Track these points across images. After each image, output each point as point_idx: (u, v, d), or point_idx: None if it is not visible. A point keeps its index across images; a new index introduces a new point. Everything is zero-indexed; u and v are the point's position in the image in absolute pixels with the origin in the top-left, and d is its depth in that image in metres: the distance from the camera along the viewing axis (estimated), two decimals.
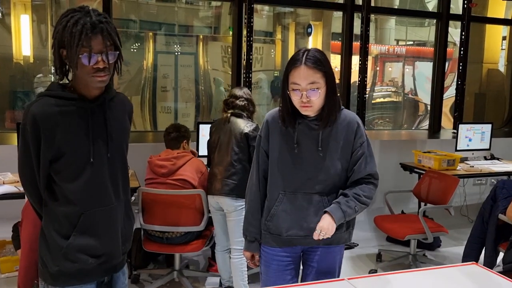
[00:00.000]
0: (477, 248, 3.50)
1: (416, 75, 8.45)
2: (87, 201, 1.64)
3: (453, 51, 7.55)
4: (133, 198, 3.36)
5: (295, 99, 1.93)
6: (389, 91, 8.47)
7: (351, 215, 1.98)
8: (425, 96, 7.69)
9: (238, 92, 3.30)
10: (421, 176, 4.40)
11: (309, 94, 1.89)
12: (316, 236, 1.93)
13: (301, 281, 2.10)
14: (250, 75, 4.87)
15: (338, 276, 2.12)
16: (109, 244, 1.71)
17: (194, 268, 3.88)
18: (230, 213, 3.11)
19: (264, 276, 2.20)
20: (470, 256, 3.46)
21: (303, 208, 2.00)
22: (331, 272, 2.09)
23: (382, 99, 8.34)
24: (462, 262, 3.50)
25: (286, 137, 2.02)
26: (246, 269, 3.12)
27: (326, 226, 1.93)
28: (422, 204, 4.48)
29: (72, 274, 1.64)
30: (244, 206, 3.09)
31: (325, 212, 1.96)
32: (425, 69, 7.74)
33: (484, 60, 7.40)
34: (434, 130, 6.14)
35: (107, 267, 1.73)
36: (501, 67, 7.52)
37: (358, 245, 4.45)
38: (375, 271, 3.83)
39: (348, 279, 1.93)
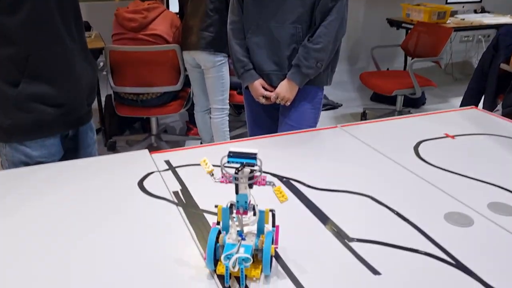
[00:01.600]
0: (474, 102, 3.38)
1: None
2: (32, 40, 1.34)
3: None
4: (101, 63, 3.03)
5: None
6: None
7: (315, 73, 1.87)
8: None
9: None
10: (409, 30, 4.13)
11: None
12: (273, 99, 1.91)
13: (280, 120, 2.01)
14: None
15: (316, 120, 2.03)
16: (70, 93, 1.45)
17: (172, 133, 3.70)
18: (209, 70, 2.83)
19: (249, 119, 2.13)
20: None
21: (275, 41, 1.86)
22: (310, 107, 1.98)
23: None
24: None
25: None
26: (228, 129, 2.94)
27: (283, 94, 1.88)
28: (409, 59, 4.29)
29: (28, 127, 1.40)
30: (223, 61, 2.82)
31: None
32: None
33: None
34: None
35: (70, 120, 1.50)
36: None
37: (342, 105, 4.31)
38: None
39: (342, 126, 1.76)
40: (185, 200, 1.21)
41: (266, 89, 1.92)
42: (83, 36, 1.53)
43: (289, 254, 0.99)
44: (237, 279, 0.89)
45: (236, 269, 0.86)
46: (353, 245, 1.03)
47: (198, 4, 2.76)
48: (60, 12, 1.38)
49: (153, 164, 1.42)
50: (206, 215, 1.14)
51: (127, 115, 3.12)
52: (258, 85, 1.92)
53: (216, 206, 0.93)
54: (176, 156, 1.48)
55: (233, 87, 3.10)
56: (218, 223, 0.94)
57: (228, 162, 0.87)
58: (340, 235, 1.07)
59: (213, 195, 0.99)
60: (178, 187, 1.28)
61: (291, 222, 1.10)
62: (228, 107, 2.93)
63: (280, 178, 1.34)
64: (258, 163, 0.86)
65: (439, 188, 1.28)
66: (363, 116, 4.06)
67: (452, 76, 5.24)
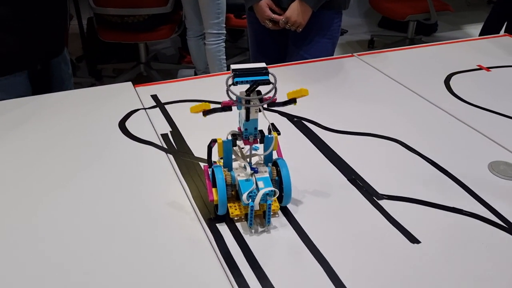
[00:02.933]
0: (497, 29, 3.08)
1: None
2: None
3: None
4: None
5: None
6: None
7: None
8: None
9: None
10: None
11: None
12: (281, 24, 1.60)
13: (290, 50, 1.71)
14: None
15: (333, 51, 1.74)
16: (34, 15, 1.17)
17: (163, 61, 3.41)
18: None
19: (252, 46, 1.84)
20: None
21: None
22: (326, 37, 1.69)
23: None
24: None
25: None
26: (225, 57, 2.67)
27: (294, 18, 1.56)
28: None
29: None
30: None
31: None
32: None
33: None
34: None
35: (38, 52, 1.24)
36: None
37: (347, 31, 3.99)
38: None
39: (358, 55, 1.52)
40: (176, 145, 1.00)
41: (274, 12, 1.62)
42: None
43: (301, 213, 0.79)
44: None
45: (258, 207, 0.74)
46: (383, 204, 0.83)
47: None
48: None
49: (137, 100, 1.19)
50: (202, 164, 0.93)
51: (111, 40, 2.81)
52: (264, 6, 1.61)
53: (214, 141, 0.76)
54: (165, 89, 1.25)
55: (230, 9, 2.78)
56: (211, 163, 0.79)
57: (235, 83, 0.70)
58: (368, 191, 0.86)
59: (210, 138, 0.77)
60: (167, 129, 1.06)
61: (305, 174, 0.90)
62: (225, 32, 2.63)
63: (290, 117, 1.12)
64: (272, 79, 0.71)
65: (479, 132, 1.07)
66: (371, 44, 3.77)
67: (465, 1, 4.86)
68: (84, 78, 3.09)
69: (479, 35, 3.25)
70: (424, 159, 0.96)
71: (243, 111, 0.73)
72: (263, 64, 0.72)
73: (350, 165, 0.94)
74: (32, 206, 0.81)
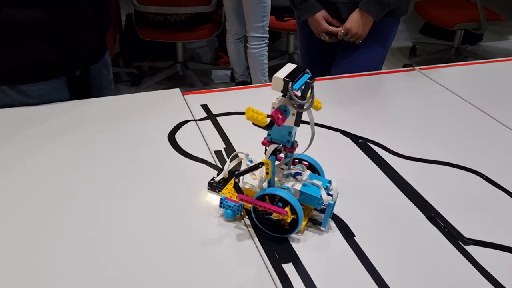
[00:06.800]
0: None
1: None
2: None
3: None
4: None
5: None
6: None
7: (398, 1, 1.44)
8: None
9: None
10: None
11: None
12: (340, 37, 1.50)
13: (339, 55, 1.60)
14: None
15: (387, 51, 1.62)
16: (72, 18, 1.09)
17: (199, 61, 3.34)
18: None
19: (304, 60, 1.72)
20: None
21: None
22: (382, 45, 1.57)
23: None
24: None
25: None
26: (267, 61, 2.57)
27: (355, 29, 1.46)
28: None
29: (23, 69, 1.07)
30: None
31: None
32: None
33: None
34: None
35: (78, 57, 1.15)
36: None
37: None
38: (410, 66, 3.32)
39: (420, 69, 1.41)
40: None
41: (330, 24, 1.51)
42: None
43: (372, 250, 0.70)
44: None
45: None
46: (471, 250, 0.73)
47: None
48: None
49: (186, 109, 1.11)
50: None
51: (151, 39, 2.75)
52: (320, 19, 1.49)
53: (261, 165, 0.71)
54: (216, 99, 1.16)
55: (271, 11, 2.68)
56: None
57: (294, 89, 0.65)
58: (451, 233, 0.76)
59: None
60: (220, 144, 0.97)
61: (373, 203, 0.80)
62: (268, 35, 2.54)
63: (354, 138, 1.02)
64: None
65: None
66: (413, 52, 3.62)
67: (510, 8, 4.65)
68: (119, 78, 3.04)
69: None
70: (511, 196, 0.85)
71: (292, 118, 0.68)
72: (293, 65, 0.68)
73: (427, 199, 0.84)
74: (74, 218, 0.73)
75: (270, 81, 0.68)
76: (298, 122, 0.69)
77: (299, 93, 0.66)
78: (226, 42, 2.74)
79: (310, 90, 0.67)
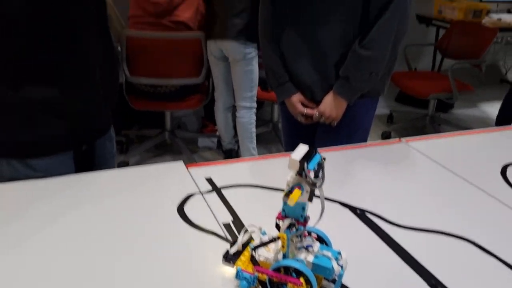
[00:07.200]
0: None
1: None
2: (41, 28, 1.02)
3: None
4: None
5: None
6: None
7: (368, 86, 1.49)
8: None
9: None
10: (441, 28, 3.88)
11: None
12: (315, 119, 1.55)
13: (320, 130, 1.64)
14: None
15: (366, 133, 1.69)
16: (83, 97, 1.14)
17: (186, 129, 3.43)
18: (237, 62, 2.54)
19: (286, 132, 1.77)
20: (507, 117, 3.11)
21: (317, 44, 1.47)
22: (361, 126, 1.63)
23: None
24: (496, 124, 3.16)
25: None
26: (255, 129, 2.67)
27: (328, 112, 1.50)
28: (439, 58, 4.03)
29: (33, 144, 1.11)
30: (253, 53, 2.53)
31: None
32: None
33: None
34: None
35: (85, 132, 1.20)
36: None
37: None
38: (389, 134, 3.48)
39: (406, 141, 1.51)
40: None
41: (306, 106, 1.54)
42: (107, 26, 1.21)
43: None
44: None
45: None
46: None
47: None
48: None
49: (191, 182, 1.16)
50: None
51: (141, 108, 2.84)
52: (296, 101, 1.54)
53: (277, 238, 0.77)
54: (219, 172, 1.22)
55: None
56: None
57: (309, 170, 0.72)
58: None
59: (273, 228, 0.75)
60: (228, 217, 1.02)
61: (377, 273, 0.85)
62: (256, 105, 2.66)
63: (352, 209, 1.08)
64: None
65: None
66: (390, 119, 3.81)
67: (478, 78, 4.97)
68: None
69: (498, 114, 3.29)
70: (505, 264, 0.91)
71: (306, 194, 0.74)
72: (305, 146, 0.74)
73: (427, 268, 0.89)
74: None
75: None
76: (311, 197, 0.75)
77: (312, 173, 0.73)
78: (214, 111, 2.85)
79: (321, 170, 0.74)
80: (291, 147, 1.55)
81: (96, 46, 1.16)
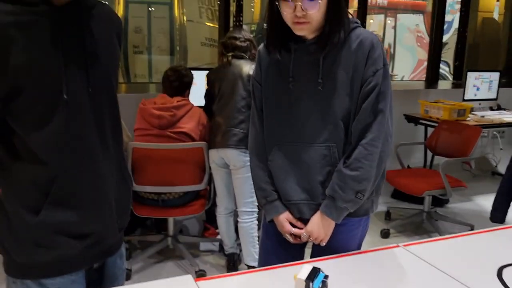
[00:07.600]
0: (506, 203, 3.21)
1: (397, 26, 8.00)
2: (61, 157, 1.13)
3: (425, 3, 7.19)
4: None
5: (287, 13, 1.38)
6: None
7: (355, 206, 1.46)
8: (402, 50, 7.31)
9: (237, 33, 2.85)
10: (429, 127, 4.10)
11: (305, 6, 1.35)
12: (304, 239, 1.51)
13: (311, 257, 1.57)
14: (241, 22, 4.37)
15: (359, 244, 1.63)
16: (99, 218, 1.22)
17: (187, 233, 3.47)
18: (238, 170, 2.68)
19: (265, 248, 1.70)
20: (499, 211, 3.18)
21: (303, 163, 1.50)
22: (353, 244, 1.59)
23: None
24: (491, 218, 3.23)
25: (280, 70, 1.51)
26: (257, 234, 2.73)
27: (316, 233, 1.47)
28: (430, 156, 4.19)
29: (47, 263, 1.16)
30: None
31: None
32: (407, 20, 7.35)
33: (479, 8, 7.04)
34: (432, 81, 5.81)
35: (98, 251, 1.24)
36: (496, 16, 7.18)
37: None
38: (388, 231, 3.53)
39: (404, 245, 1.57)
40: None
41: (294, 225, 1.52)
42: (120, 147, 1.32)
43: None
44: None
45: None
46: None
47: (228, 102, 2.69)
48: (98, 123, 1.18)
49: None
50: None
51: (145, 215, 2.92)
52: (283, 220, 1.52)
53: None
54: (228, 285, 1.27)
55: None
56: None
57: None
58: None
59: None
60: None
61: None
62: (257, 210, 2.74)
63: None
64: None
65: None
66: (387, 216, 3.87)
67: (470, 172, 5.12)
68: None
69: (492, 206, 3.36)
70: None
71: None
72: (310, 266, 0.76)
73: None
74: None
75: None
76: None
77: None
78: (216, 216, 2.93)
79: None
80: (268, 264, 1.45)
81: (111, 167, 1.26)
